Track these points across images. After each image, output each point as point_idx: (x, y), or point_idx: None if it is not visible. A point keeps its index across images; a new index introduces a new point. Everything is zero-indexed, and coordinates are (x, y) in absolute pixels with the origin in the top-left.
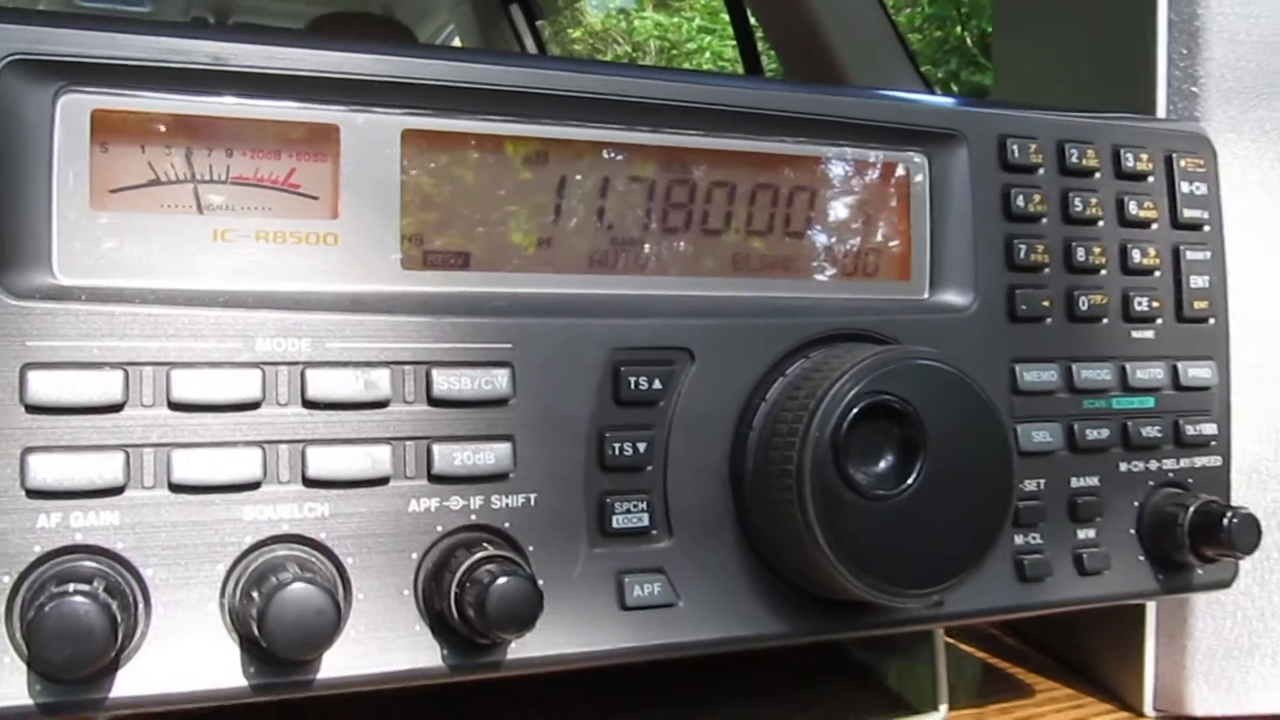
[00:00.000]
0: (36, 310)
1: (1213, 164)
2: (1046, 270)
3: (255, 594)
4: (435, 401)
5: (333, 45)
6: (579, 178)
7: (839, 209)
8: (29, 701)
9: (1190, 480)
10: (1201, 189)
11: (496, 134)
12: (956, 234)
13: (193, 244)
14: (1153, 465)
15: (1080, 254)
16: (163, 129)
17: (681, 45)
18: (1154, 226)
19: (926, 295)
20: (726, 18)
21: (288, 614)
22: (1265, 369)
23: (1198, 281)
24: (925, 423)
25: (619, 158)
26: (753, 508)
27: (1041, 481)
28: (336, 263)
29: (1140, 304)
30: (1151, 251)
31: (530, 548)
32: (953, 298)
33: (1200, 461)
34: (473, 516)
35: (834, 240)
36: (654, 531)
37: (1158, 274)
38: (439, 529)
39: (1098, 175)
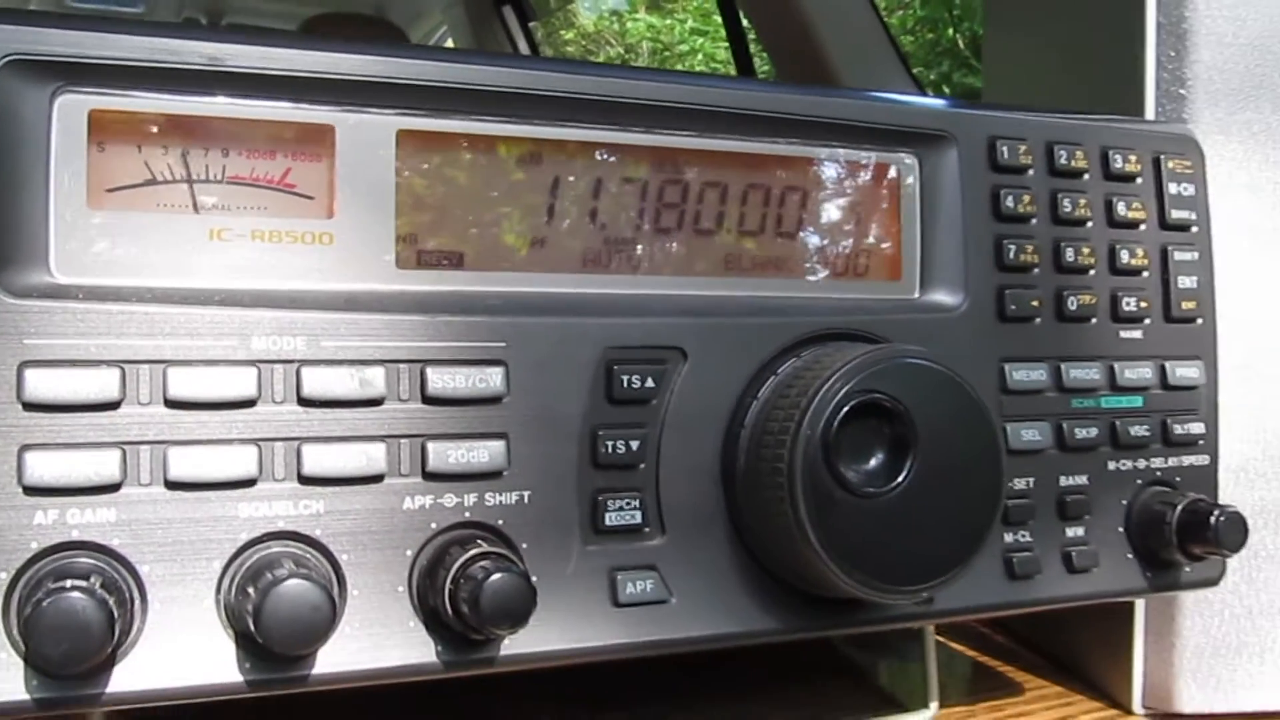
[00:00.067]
0: (34, 309)
1: (1200, 165)
2: (1036, 270)
3: (251, 590)
4: (430, 400)
5: (328, 46)
6: (572, 178)
7: (830, 209)
8: (25, 697)
9: (1178, 479)
10: (1189, 190)
11: (490, 135)
12: (947, 234)
13: (189, 243)
14: (1141, 464)
15: (1069, 254)
16: (159, 129)
17: (674, 47)
18: (1142, 227)
19: (917, 295)
20: (719, 20)
21: (283, 609)
22: (1253, 369)
23: (1185, 282)
24: (915, 421)
25: (611, 158)
26: (744, 505)
27: (1031, 480)
28: (332, 262)
29: (1128, 304)
30: (1140, 252)
31: (524, 545)
32: (943, 297)
33: (1188, 460)
34: (467, 514)
35: (825, 240)
36: (646, 529)
37: (1146, 274)
38: (433, 526)
39: (1086, 176)
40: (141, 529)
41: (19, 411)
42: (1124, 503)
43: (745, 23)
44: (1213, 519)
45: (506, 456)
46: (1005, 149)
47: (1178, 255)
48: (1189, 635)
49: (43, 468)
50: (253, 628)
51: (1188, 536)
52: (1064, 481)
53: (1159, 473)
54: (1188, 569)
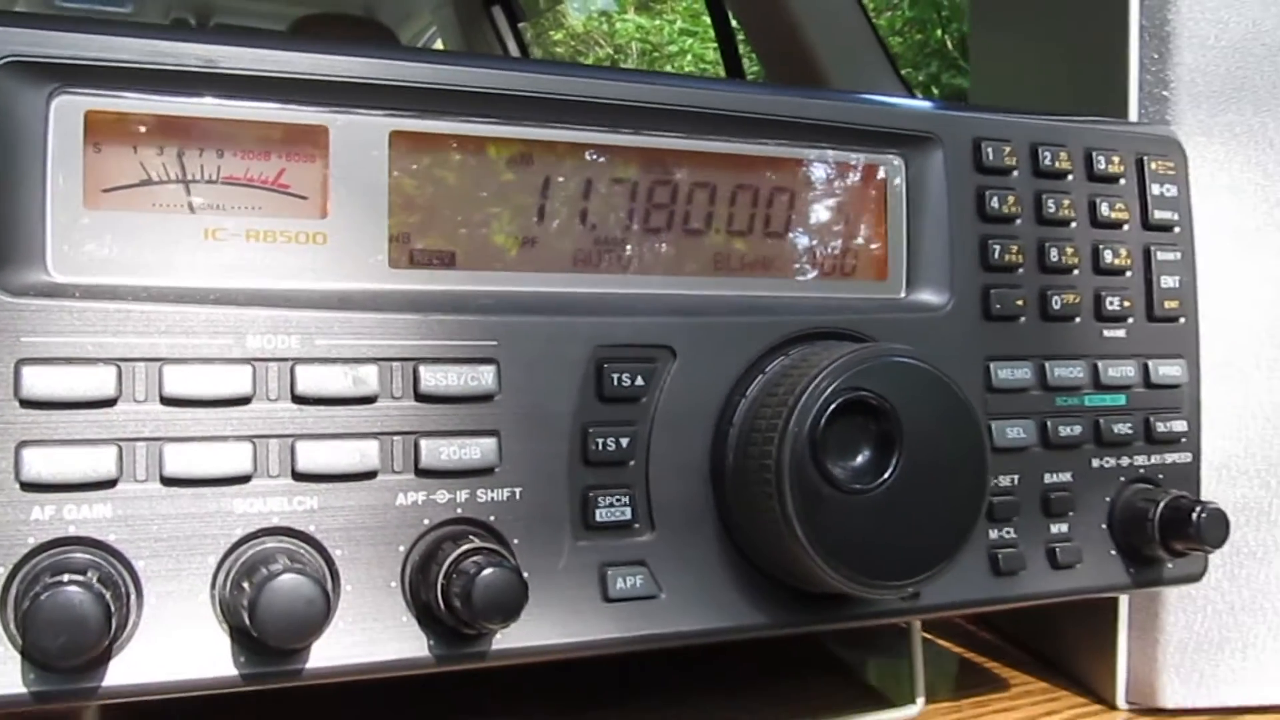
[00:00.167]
0: (31, 307)
1: (1183, 166)
2: (1020, 270)
3: (246, 584)
4: (422, 397)
5: (322, 48)
6: (562, 179)
7: (817, 210)
8: (22, 690)
9: (1161, 476)
10: (1172, 191)
11: (481, 136)
12: (932, 234)
13: (184, 242)
14: (1124, 461)
15: (1053, 254)
16: (154, 130)
17: (663, 47)
18: (1125, 228)
19: (903, 294)
20: (708, 20)
21: (278, 603)
22: (1235, 367)
23: (1168, 281)
24: (901, 419)
25: (601, 159)
26: (733, 502)
27: (1015, 477)
28: (325, 261)
29: (1112, 303)
30: (1123, 252)
31: (515, 540)
32: (929, 297)
33: (1170, 458)
34: (459, 510)
35: (813, 240)
36: (636, 525)
37: (1129, 274)
38: (426, 522)
39: (1070, 177)
40: (137, 525)
41: (16, 409)
42: (1107, 499)
43: (734, 24)
44: (1195, 515)
45: (498, 453)
46: (990, 150)
47: (1160, 255)
48: (1172, 631)
49: (40, 464)
50: (248, 622)
51: (1170, 533)
52: (1048, 479)
53: (1142, 470)
54: (1170, 565)
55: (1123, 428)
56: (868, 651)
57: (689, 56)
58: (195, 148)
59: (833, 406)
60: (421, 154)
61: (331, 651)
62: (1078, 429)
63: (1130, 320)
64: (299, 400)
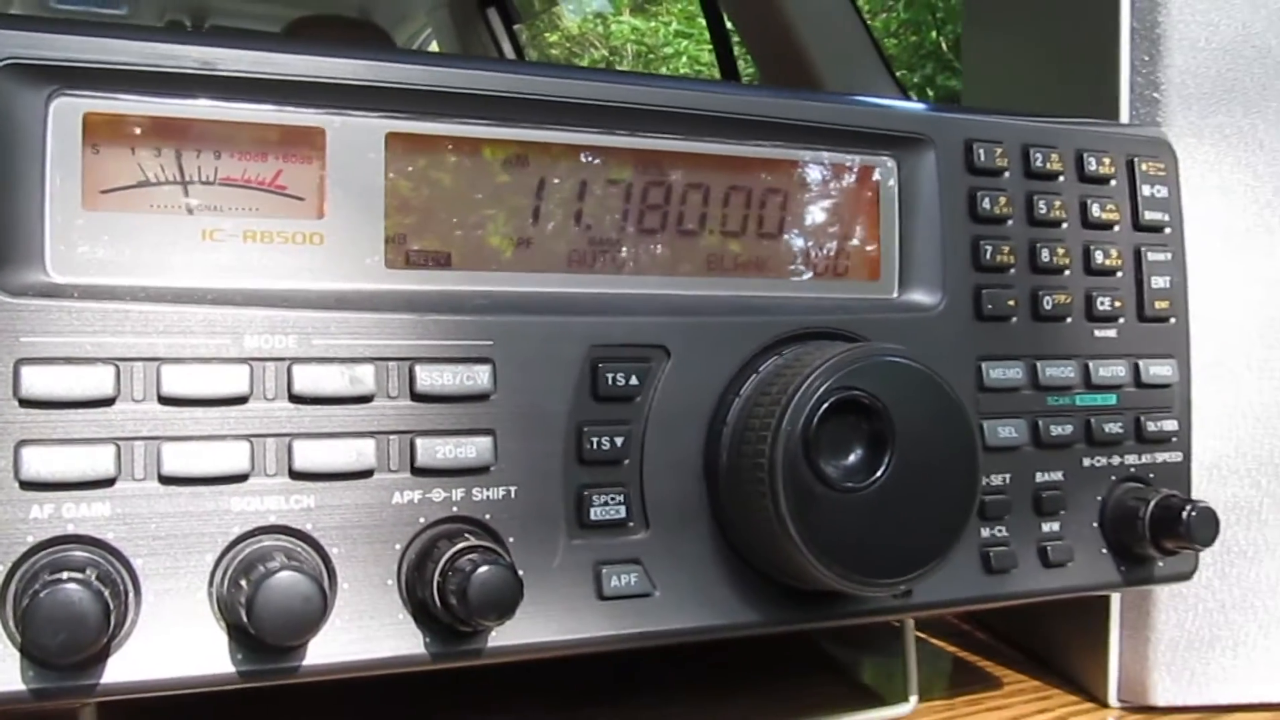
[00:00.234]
0: (30, 307)
1: (1173, 168)
2: (1012, 271)
3: (243, 582)
4: (418, 396)
5: (319, 51)
6: (557, 180)
7: (810, 211)
8: (22, 687)
9: (1151, 475)
10: (1162, 192)
11: (477, 137)
12: (925, 235)
13: (182, 243)
14: (1115, 460)
15: (1045, 255)
16: (152, 132)
17: (658, 49)
18: (1116, 228)
19: (896, 295)
20: (703, 22)
21: (275, 601)
22: (1225, 367)
23: (1159, 282)
24: (893, 418)
25: (596, 161)
26: (726, 501)
27: (1007, 476)
28: (322, 262)
29: (1103, 304)
30: (1114, 253)
31: (510, 538)
32: (921, 297)
33: (1161, 457)
34: (454, 508)
35: (806, 241)
36: (631, 523)
37: (1120, 274)
38: (422, 520)
39: (1061, 178)
40: (136, 523)
41: (15, 408)
42: (1098, 498)
43: (729, 25)
44: (1185, 514)
45: (494, 452)
46: (982, 151)
47: (1151, 256)
48: (1163, 629)
49: (39, 463)
50: (245, 619)
51: (1160, 531)
52: (1039, 477)
53: (1133, 469)
54: (1161, 563)
55: (1114, 427)
56: (861, 650)
57: (684, 58)
58: (193, 149)
59: (825, 406)
60: (417, 155)
61: (328, 649)
62: (1069, 428)
63: (1121, 320)
64: (296, 400)
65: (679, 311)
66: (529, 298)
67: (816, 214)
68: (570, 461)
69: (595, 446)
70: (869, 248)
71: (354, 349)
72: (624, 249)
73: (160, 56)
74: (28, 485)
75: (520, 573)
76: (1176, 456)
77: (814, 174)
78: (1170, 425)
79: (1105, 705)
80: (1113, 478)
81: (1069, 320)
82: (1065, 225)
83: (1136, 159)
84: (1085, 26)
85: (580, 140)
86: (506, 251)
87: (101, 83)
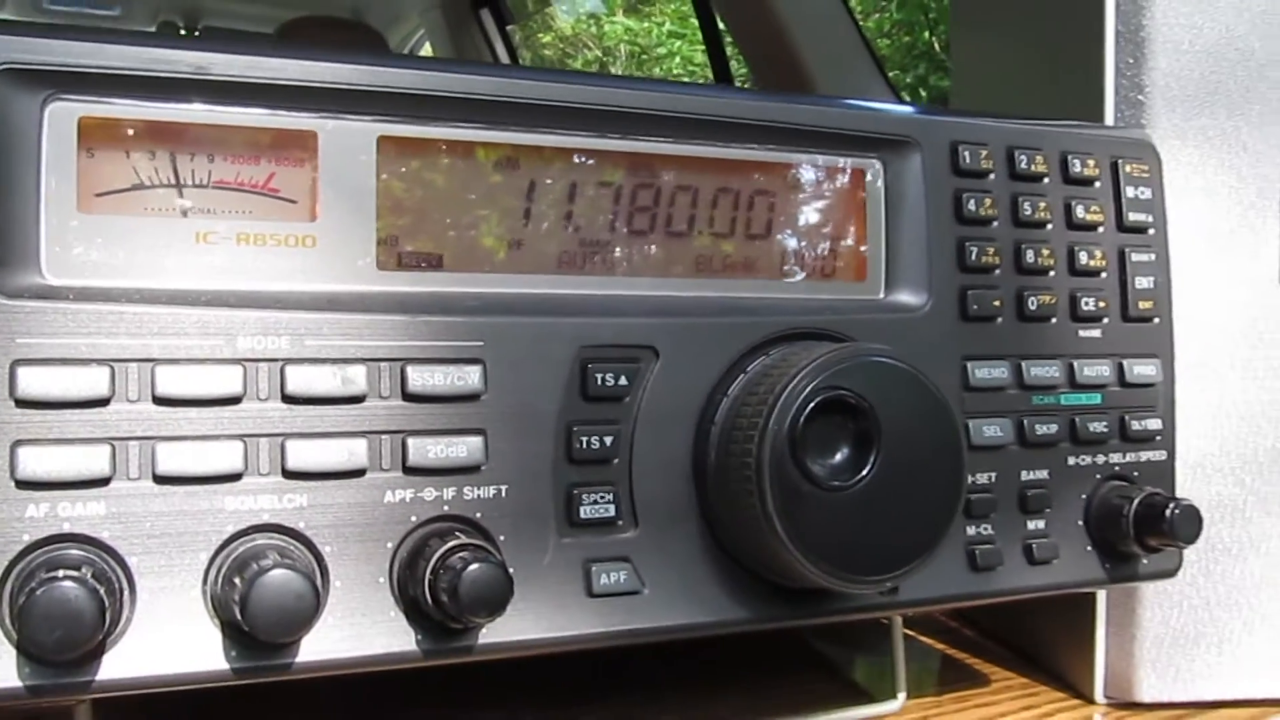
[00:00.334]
0: (25, 309)
1: (1157, 169)
2: (997, 271)
3: (237, 580)
4: (410, 397)
5: (311, 55)
6: (549, 181)
7: (798, 213)
8: (18, 684)
9: (1136, 473)
10: (1146, 194)
11: (468, 140)
12: (911, 237)
13: (176, 245)
14: (1099, 459)
15: (1029, 256)
16: (146, 135)
17: (651, 50)
18: (1100, 229)
19: (882, 295)
20: (697, 22)
21: (268, 598)
22: (1209, 367)
23: (1142, 282)
24: (879, 417)
25: (589, 162)
26: (715, 499)
27: (992, 474)
28: (314, 264)
29: (1087, 304)
30: (1098, 254)
31: (501, 537)
32: (907, 298)
33: (1145, 455)
34: (446, 507)
35: (793, 242)
36: (620, 522)
37: (1104, 275)
38: (413, 519)
39: (1046, 180)
40: (131, 522)
41: (11, 408)
42: (1083, 496)
43: (722, 26)
44: (1168, 512)
45: (484, 452)
46: (967, 154)
47: (1135, 257)
48: (1149, 626)
49: (35, 463)
50: (239, 616)
51: (1144, 529)
52: (1025, 476)
53: (1117, 467)
54: (1145, 561)
55: (1098, 426)
56: (851, 648)
57: (677, 59)
58: (187, 152)
59: (812, 405)
60: (409, 158)
61: (321, 646)
62: (1054, 427)
63: (1105, 320)
64: (289, 400)
65: (668, 312)
66: (519, 299)
67: (804, 216)
68: (560, 461)
69: (585, 446)
70: (856, 249)
71: (346, 350)
72: (614, 250)
73: (154, 61)
74: (24, 484)
75: (511, 571)
76: (1160, 455)
77: (801, 176)
78: (1154, 424)
79: (1091, 701)
80: (1097, 476)
81: (1054, 320)
82: (1050, 226)
83: (1120, 161)
84: (1070, 29)
85: (570, 143)
86: (497, 253)
87: (96, 87)
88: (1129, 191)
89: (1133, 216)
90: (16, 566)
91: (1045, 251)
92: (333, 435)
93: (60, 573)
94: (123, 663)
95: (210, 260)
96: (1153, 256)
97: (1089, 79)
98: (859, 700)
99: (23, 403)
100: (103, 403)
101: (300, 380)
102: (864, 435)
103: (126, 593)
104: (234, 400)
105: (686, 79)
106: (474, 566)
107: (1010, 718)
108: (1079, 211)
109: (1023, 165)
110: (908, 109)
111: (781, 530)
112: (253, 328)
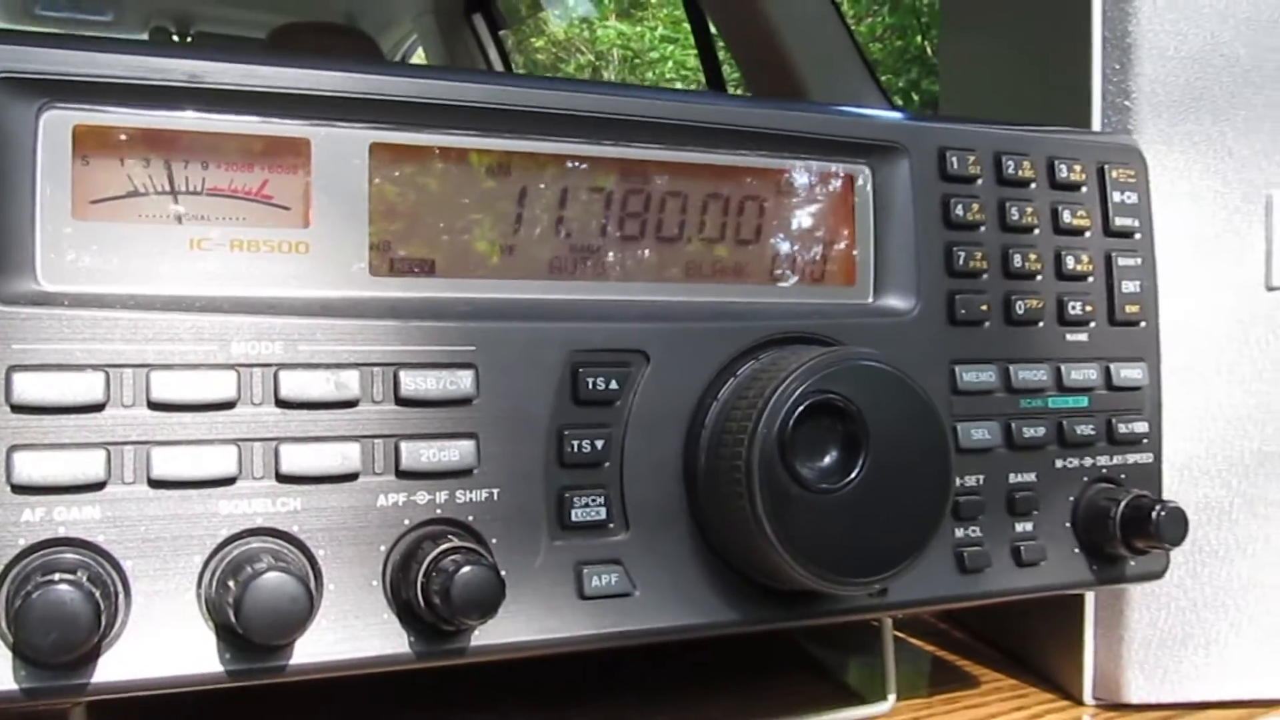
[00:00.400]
0: (21, 315)
1: (1143, 175)
2: (985, 276)
3: (231, 583)
4: (402, 401)
5: (304, 63)
6: (542, 186)
7: (788, 218)
8: (14, 687)
9: (1123, 476)
10: (1133, 198)
11: (460, 147)
12: (899, 241)
13: (170, 252)
14: (1087, 462)
15: (1017, 260)
16: (141, 143)
17: (644, 54)
18: (1087, 234)
19: (870, 300)
20: (689, 27)
21: (262, 601)
22: (1195, 370)
23: (1129, 286)
24: (868, 420)
25: (582, 167)
26: (705, 502)
27: (981, 477)
28: (308, 270)
29: (1074, 308)
30: (1085, 258)
31: (493, 540)
32: (895, 302)
33: (1132, 458)
34: (438, 510)
35: (783, 248)
36: (611, 525)
37: (1091, 279)
38: (406, 522)
39: (1033, 185)
40: (126, 526)
41: (7, 414)
42: (1071, 499)
43: (714, 31)
44: (1154, 514)
45: (476, 455)
46: (955, 159)
47: (1121, 261)
48: (1137, 628)
49: (30, 467)
50: (233, 619)
51: (1131, 531)
52: (1013, 479)
53: (1104, 470)
54: (1132, 563)
55: (1085, 429)
56: (841, 650)
57: (670, 63)
58: (181, 160)
59: (801, 409)
60: (401, 165)
61: (315, 648)
62: (1041, 430)
63: (1092, 324)
64: (282, 404)
65: (658, 317)
66: (511, 304)
67: (793, 221)
68: (551, 464)
69: (576, 449)
70: (844, 254)
71: (339, 355)
72: (605, 256)
73: (148, 69)
74: (19, 489)
75: (502, 573)
76: (1147, 458)
77: (791, 182)
78: (1141, 427)
79: (1080, 703)
80: (1085, 479)
81: (1041, 324)
82: (1037, 231)
83: (1107, 166)
84: (1058, 35)
85: (562, 149)
86: (490, 259)
87: (91, 95)
88: (1115, 196)
89: (1119, 221)
90: (12, 570)
91: (1032, 256)
92: (326, 439)
93: (56, 576)
94: (118, 665)
95: (204, 266)
96: (1139, 261)
97: (1076, 84)
98: (849, 702)
99: (18, 408)
100: (98, 408)
101: (294, 385)
102: (852, 438)
103: (121, 596)
104: (228, 405)
105: (679, 83)
106: (466, 569)
107: (1000, 719)
108: (1066, 216)
109: (1010, 170)
110: (896, 115)
111: (771, 532)
112: (247, 333)
